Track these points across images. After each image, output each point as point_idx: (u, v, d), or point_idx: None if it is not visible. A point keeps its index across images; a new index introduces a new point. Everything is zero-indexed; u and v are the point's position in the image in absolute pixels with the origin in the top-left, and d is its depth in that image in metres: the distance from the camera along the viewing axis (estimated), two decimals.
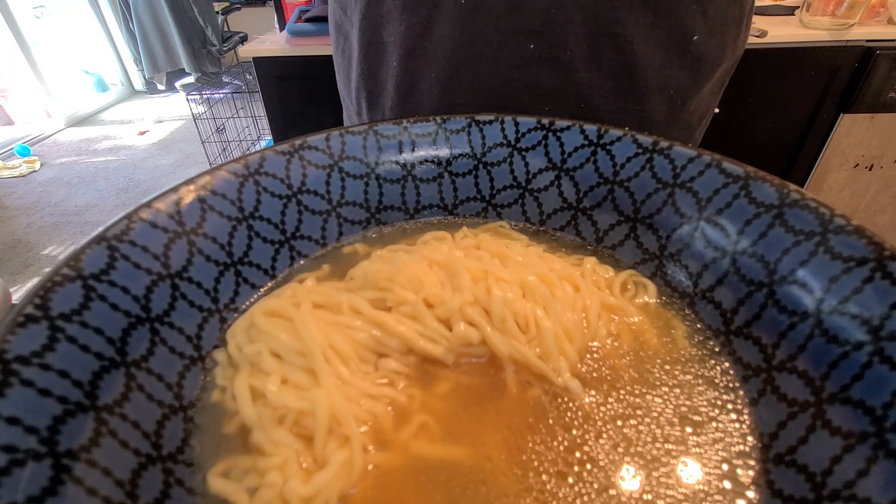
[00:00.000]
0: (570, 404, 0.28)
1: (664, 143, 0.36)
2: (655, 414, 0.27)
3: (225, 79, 3.64)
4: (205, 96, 2.57)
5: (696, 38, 0.47)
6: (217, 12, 3.64)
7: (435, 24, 0.47)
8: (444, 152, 0.43)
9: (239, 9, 3.88)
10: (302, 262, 0.39)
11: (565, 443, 0.26)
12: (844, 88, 1.53)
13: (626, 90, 0.48)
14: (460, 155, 0.43)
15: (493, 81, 0.48)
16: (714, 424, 0.27)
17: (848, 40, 1.45)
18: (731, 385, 0.29)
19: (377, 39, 0.50)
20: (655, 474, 0.24)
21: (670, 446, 0.26)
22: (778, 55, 1.47)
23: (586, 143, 0.39)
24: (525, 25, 0.45)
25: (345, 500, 0.24)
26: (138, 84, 4.16)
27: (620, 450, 0.25)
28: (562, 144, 0.40)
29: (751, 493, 0.24)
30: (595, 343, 0.31)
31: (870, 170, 1.71)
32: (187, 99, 2.48)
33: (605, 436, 0.26)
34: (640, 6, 0.44)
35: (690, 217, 0.34)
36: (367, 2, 0.49)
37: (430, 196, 0.44)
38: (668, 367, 0.30)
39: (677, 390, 0.29)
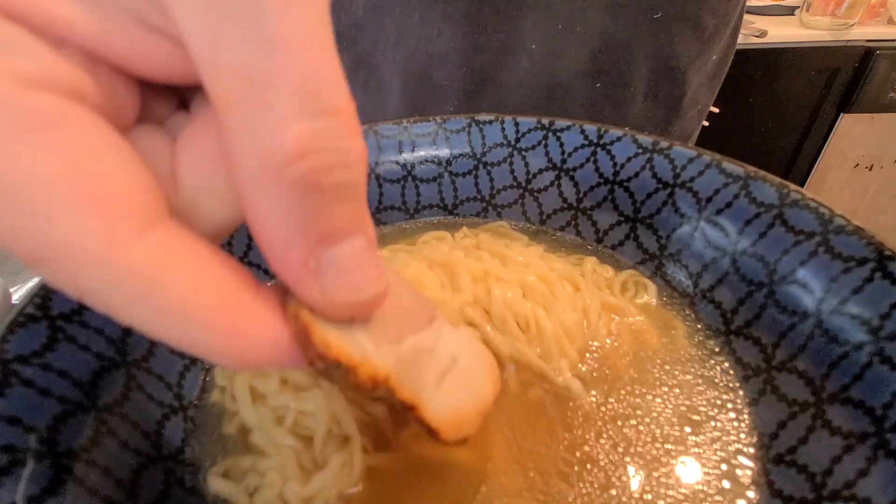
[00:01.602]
0: (571, 404, 0.28)
1: (664, 143, 0.36)
2: (655, 414, 0.27)
3: None
4: None
5: (714, 57, 0.50)
6: None
7: (501, 69, 0.48)
8: (444, 152, 0.43)
9: None
10: None
11: (565, 442, 0.26)
12: (844, 88, 1.53)
13: (675, 116, 0.51)
14: (460, 155, 0.43)
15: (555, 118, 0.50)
16: (714, 424, 0.27)
17: (848, 40, 1.45)
18: (731, 385, 0.29)
19: (427, 81, 0.50)
20: (656, 474, 0.24)
21: (670, 446, 0.26)
22: (778, 55, 1.47)
23: (586, 143, 0.39)
24: (593, 66, 0.47)
25: (344, 501, 0.24)
26: None
27: (620, 449, 0.25)
28: (562, 144, 0.40)
29: (751, 493, 0.24)
30: (595, 343, 0.31)
31: (870, 170, 1.71)
32: None
33: (605, 435, 0.26)
34: (691, 38, 0.47)
35: (690, 217, 0.34)
36: (417, 41, 0.48)
37: (430, 196, 0.44)
38: (668, 366, 0.30)
39: (677, 390, 0.28)
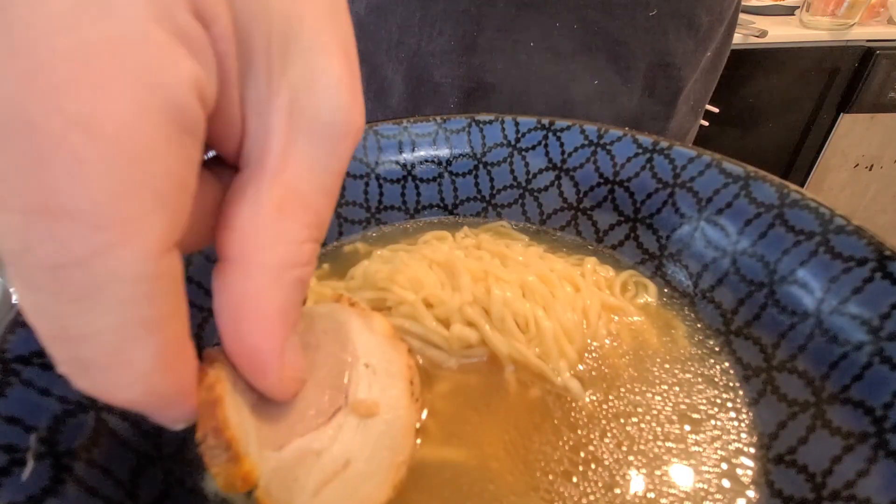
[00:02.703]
0: (571, 404, 0.28)
1: (664, 143, 0.36)
2: (655, 411, 0.27)
3: None
4: None
5: (708, 53, 0.52)
6: None
7: (499, 65, 0.48)
8: (444, 152, 0.43)
9: None
10: None
11: (570, 442, 0.26)
12: (844, 88, 1.53)
13: (671, 111, 0.52)
14: (460, 155, 0.43)
15: (554, 115, 0.51)
16: (714, 423, 0.27)
17: (848, 40, 1.45)
18: (731, 384, 0.29)
19: (429, 79, 0.50)
20: (657, 473, 0.24)
21: (671, 444, 0.26)
22: (778, 55, 1.47)
23: (586, 143, 0.39)
24: (591, 63, 0.48)
25: None
26: None
27: (624, 448, 0.25)
28: (562, 144, 0.40)
29: (751, 493, 0.24)
30: (595, 343, 0.31)
31: (870, 170, 1.71)
32: None
33: (609, 434, 0.26)
34: (686, 35, 0.48)
35: (690, 217, 0.34)
36: (418, 39, 0.48)
37: (430, 196, 0.44)
38: (667, 366, 0.30)
39: (677, 389, 0.28)
